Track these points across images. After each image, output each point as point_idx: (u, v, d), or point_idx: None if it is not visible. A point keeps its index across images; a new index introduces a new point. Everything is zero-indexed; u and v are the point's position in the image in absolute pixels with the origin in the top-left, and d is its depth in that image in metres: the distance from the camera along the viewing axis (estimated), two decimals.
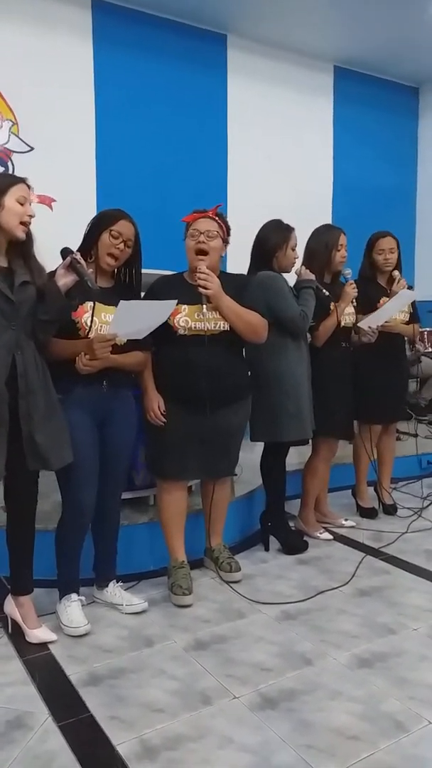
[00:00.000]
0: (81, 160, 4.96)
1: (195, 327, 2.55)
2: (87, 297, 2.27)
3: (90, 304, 2.31)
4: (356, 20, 5.37)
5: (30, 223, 2.15)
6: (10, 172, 4.70)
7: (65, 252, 2.18)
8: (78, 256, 2.17)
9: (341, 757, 1.73)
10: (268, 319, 2.70)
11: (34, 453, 2.14)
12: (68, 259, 2.16)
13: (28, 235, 2.16)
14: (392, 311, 3.33)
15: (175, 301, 2.44)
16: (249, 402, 2.79)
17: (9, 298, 2.07)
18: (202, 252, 2.57)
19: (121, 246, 2.40)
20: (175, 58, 5.33)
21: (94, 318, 2.32)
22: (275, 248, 3.00)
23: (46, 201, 4.77)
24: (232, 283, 2.61)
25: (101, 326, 2.33)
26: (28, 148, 4.78)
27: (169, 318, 2.51)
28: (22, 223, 2.11)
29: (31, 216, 2.14)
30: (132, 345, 2.43)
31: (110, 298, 2.35)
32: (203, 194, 5.08)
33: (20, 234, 2.11)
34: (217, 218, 2.63)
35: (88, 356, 2.26)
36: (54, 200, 4.79)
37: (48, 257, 2.25)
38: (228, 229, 2.69)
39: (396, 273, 3.50)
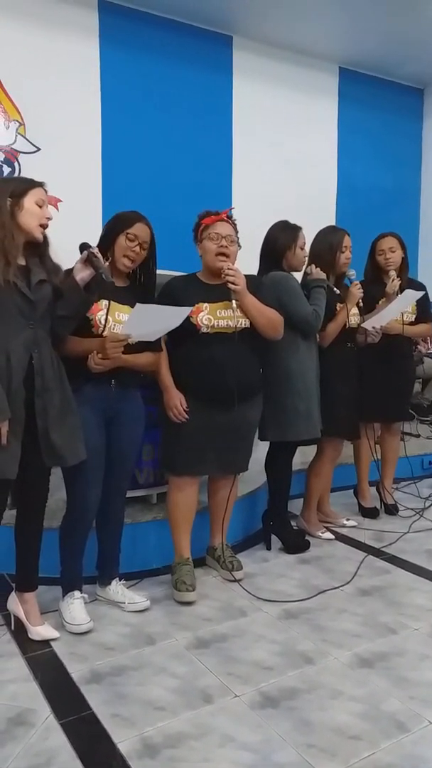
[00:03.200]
0: (87, 160, 4.97)
1: (218, 325, 2.61)
2: (104, 292, 2.30)
3: (105, 302, 2.35)
4: (361, 22, 5.37)
5: (47, 226, 2.21)
6: (17, 172, 4.72)
7: (83, 247, 2.23)
8: (95, 250, 2.22)
9: (342, 757, 1.74)
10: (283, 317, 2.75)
11: (50, 450, 2.17)
12: (85, 253, 2.21)
13: (45, 237, 2.22)
14: (396, 311, 3.33)
15: (190, 308, 2.49)
16: (261, 397, 2.83)
17: (27, 297, 2.11)
18: (224, 255, 2.62)
19: (137, 249, 2.43)
20: (182, 59, 5.34)
21: (108, 316, 2.35)
22: (284, 248, 3.03)
23: (52, 201, 4.78)
24: (250, 282, 2.67)
25: (114, 325, 2.35)
26: (35, 149, 4.80)
27: (190, 317, 2.56)
28: (40, 225, 2.16)
29: (48, 218, 2.20)
30: (143, 346, 2.45)
31: (125, 297, 2.39)
32: (208, 195, 5.10)
33: (38, 235, 2.17)
34: (230, 222, 2.68)
35: (101, 355, 2.28)
36: (60, 200, 4.80)
37: (55, 256, 2.27)
38: (237, 231, 2.72)
39: (392, 273, 3.50)
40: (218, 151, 5.63)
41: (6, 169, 4.69)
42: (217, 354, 2.60)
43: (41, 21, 4.73)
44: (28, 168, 4.72)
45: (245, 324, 2.63)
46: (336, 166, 6.33)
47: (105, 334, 2.32)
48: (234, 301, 2.57)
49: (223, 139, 5.66)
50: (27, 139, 4.77)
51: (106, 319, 2.34)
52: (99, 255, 2.22)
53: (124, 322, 2.33)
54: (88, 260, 2.21)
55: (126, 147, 5.10)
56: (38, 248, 2.22)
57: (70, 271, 2.25)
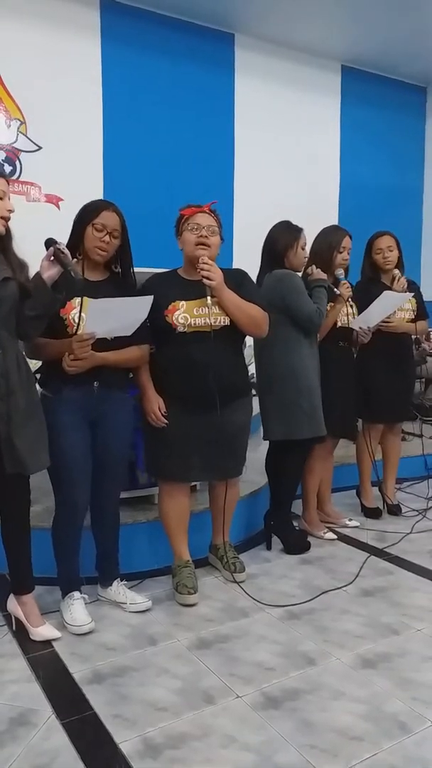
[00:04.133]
0: (88, 158, 4.97)
1: (195, 323, 2.49)
2: (74, 290, 2.19)
3: (78, 299, 2.24)
4: (364, 20, 5.36)
5: (9, 219, 2.09)
6: (19, 171, 4.71)
7: (49, 243, 2.11)
8: (62, 246, 2.10)
9: (344, 758, 1.73)
10: (275, 314, 2.70)
11: (11, 456, 2.08)
12: (51, 249, 2.09)
13: (7, 230, 2.11)
14: (383, 311, 3.31)
15: (152, 297, 2.33)
16: (251, 399, 2.76)
17: None
18: (203, 245, 2.52)
19: (107, 238, 2.32)
20: (183, 57, 5.33)
21: (82, 314, 2.24)
22: (286, 248, 3.02)
23: (53, 200, 4.78)
24: (230, 278, 2.56)
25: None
26: (36, 147, 4.80)
27: (166, 316, 2.47)
28: (1, 217, 2.06)
29: (10, 210, 2.08)
30: (126, 340, 2.36)
31: (102, 291, 2.29)
32: (210, 193, 5.07)
33: (0, 228, 2.07)
34: (213, 215, 2.59)
35: (72, 356, 2.20)
36: (61, 199, 4.80)
37: (19, 248, 2.19)
38: (220, 225, 2.64)
39: (396, 272, 3.48)
40: (220, 149, 5.63)
41: (7, 168, 4.68)
42: (195, 354, 2.48)
43: (43, 19, 4.73)
44: (29, 166, 4.72)
45: (224, 322, 2.51)
46: (338, 164, 6.32)
47: (78, 332, 2.23)
48: (209, 298, 2.45)
49: (225, 137, 5.66)
50: (28, 138, 4.77)
51: (79, 318, 2.24)
52: (66, 251, 2.10)
53: (85, 321, 2.22)
54: (55, 257, 2.08)
55: (127, 145, 5.10)
56: (1, 242, 2.10)
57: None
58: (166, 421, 2.54)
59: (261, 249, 3.13)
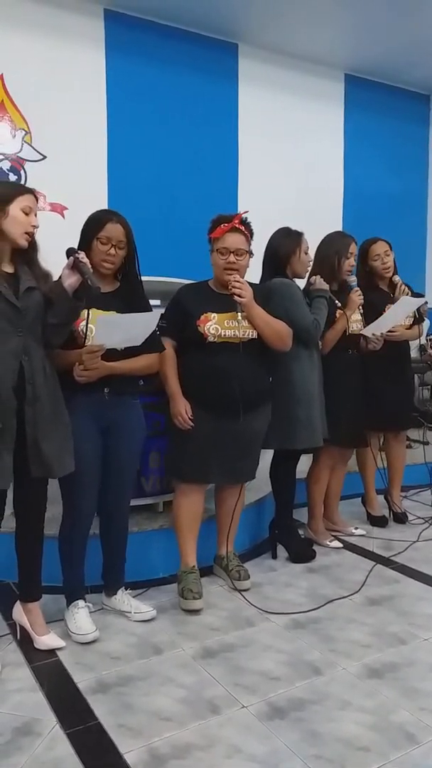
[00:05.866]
0: (93, 168, 4.99)
1: (225, 335, 2.60)
2: (91, 299, 2.23)
3: (86, 311, 2.28)
4: (366, 28, 5.38)
5: (34, 234, 2.18)
6: (23, 180, 4.74)
7: (69, 252, 2.18)
8: (81, 255, 2.16)
9: None
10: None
11: (38, 460, 2.14)
12: (71, 258, 2.16)
13: (32, 243, 2.19)
14: (396, 318, 3.31)
15: (159, 313, 2.42)
16: (270, 407, 2.81)
17: (14, 305, 2.08)
18: (231, 270, 2.61)
19: (113, 251, 2.37)
20: (187, 67, 5.36)
21: (90, 325, 2.28)
22: (289, 254, 3.03)
23: (58, 209, 4.80)
24: (258, 294, 2.67)
25: None
26: (41, 157, 4.82)
27: (198, 326, 2.58)
28: (26, 232, 2.13)
29: (35, 226, 2.16)
30: (136, 349, 2.39)
31: (111, 303, 2.35)
32: (214, 202, 5.08)
33: (23, 242, 2.14)
34: (243, 228, 2.64)
35: (82, 366, 2.25)
36: (66, 208, 4.82)
37: (59, 265, 2.24)
38: (252, 235, 2.70)
39: (396, 278, 3.47)
40: (224, 158, 5.65)
41: (12, 177, 4.71)
42: (223, 363, 2.59)
43: (47, 30, 4.77)
44: (34, 176, 4.74)
45: (252, 335, 2.63)
46: (342, 173, 6.34)
47: (88, 343, 2.27)
48: (240, 313, 2.58)
49: (229, 147, 5.68)
50: (33, 148, 4.80)
51: (87, 329, 2.28)
52: (85, 260, 2.17)
53: (94, 334, 2.27)
54: (75, 266, 2.16)
55: (132, 155, 5.12)
56: (26, 254, 2.19)
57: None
58: (192, 423, 2.61)
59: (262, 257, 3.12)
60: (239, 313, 2.58)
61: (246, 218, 2.68)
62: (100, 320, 2.23)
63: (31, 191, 2.19)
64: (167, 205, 5.13)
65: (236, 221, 2.63)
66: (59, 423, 2.20)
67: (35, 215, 2.17)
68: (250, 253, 2.70)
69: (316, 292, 3.09)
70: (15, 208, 2.11)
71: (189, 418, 2.61)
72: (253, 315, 2.61)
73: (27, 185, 4.96)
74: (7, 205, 2.10)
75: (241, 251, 2.63)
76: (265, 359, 2.74)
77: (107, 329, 2.25)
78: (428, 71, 6.26)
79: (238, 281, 2.58)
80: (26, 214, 2.13)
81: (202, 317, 2.60)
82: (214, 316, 2.61)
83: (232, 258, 2.61)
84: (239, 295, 2.56)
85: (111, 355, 2.31)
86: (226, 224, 2.63)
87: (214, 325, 2.60)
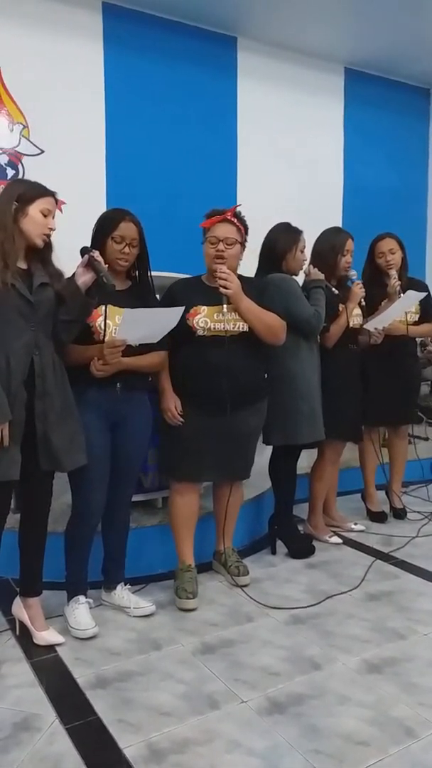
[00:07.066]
0: (91, 162, 4.96)
1: (214, 328, 2.57)
2: (105, 296, 2.28)
3: (103, 307, 2.32)
4: (367, 22, 5.35)
5: (50, 235, 2.20)
6: (21, 175, 4.71)
7: (84, 250, 2.22)
8: (96, 254, 2.21)
9: (350, 763, 1.72)
10: (285, 321, 2.71)
11: (47, 453, 2.16)
12: (86, 256, 2.20)
13: (48, 243, 2.22)
14: (398, 312, 3.30)
15: (182, 308, 2.45)
16: (265, 404, 2.79)
17: (28, 300, 2.11)
18: (220, 258, 2.59)
19: (127, 249, 2.41)
20: (186, 60, 5.33)
21: (108, 321, 2.33)
22: (285, 251, 3.01)
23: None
24: (251, 286, 2.64)
25: (115, 329, 2.33)
26: (39, 151, 4.80)
27: (187, 319, 2.54)
28: (42, 233, 2.16)
29: (51, 229, 2.19)
30: (148, 346, 2.43)
31: (125, 300, 2.37)
32: (213, 196, 5.06)
33: (39, 243, 2.17)
34: (235, 220, 2.63)
35: (101, 361, 2.27)
36: (64, 203, 4.79)
37: (59, 261, 2.27)
38: (246, 229, 2.69)
39: (393, 273, 3.46)
40: (223, 152, 5.62)
41: (10, 172, 4.69)
42: (212, 358, 2.56)
43: (45, 23, 4.73)
44: (31, 170, 4.71)
45: (243, 328, 2.59)
46: (342, 167, 6.31)
47: (106, 339, 2.31)
48: (225, 306, 2.54)
49: (228, 140, 5.65)
50: (31, 142, 4.77)
51: (105, 325, 2.32)
52: (100, 258, 2.21)
53: (117, 328, 2.31)
54: (89, 264, 2.20)
55: (130, 149, 5.09)
56: (41, 253, 2.22)
57: (72, 277, 2.24)
58: (181, 419, 2.59)
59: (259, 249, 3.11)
60: (224, 306, 2.54)
61: (240, 212, 2.67)
62: (127, 314, 2.25)
63: (53, 194, 2.22)
64: (165, 199, 5.11)
65: (228, 213, 2.63)
66: (69, 418, 2.22)
67: (53, 218, 2.20)
68: (243, 246, 2.67)
69: (312, 282, 3.08)
70: (35, 209, 2.14)
71: (179, 414, 2.60)
72: (241, 307, 2.55)
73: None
74: (28, 204, 2.13)
75: (231, 240, 2.60)
76: (258, 354, 2.70)
77: (132, 324, 2.26)
78: (428, 65, 6.23)
79: (224, 272, 2.53)
80: (45, 216, 2.16)
81: (192, 310, 2.57)
82: (203, 309, 2.58)
83: (221, 246, 2.58)
84: (225, 287, 2.51)
85: (125, 351, 2.33)
86: (219, 214, 2.63)
87: (203, 318, 2.57)
